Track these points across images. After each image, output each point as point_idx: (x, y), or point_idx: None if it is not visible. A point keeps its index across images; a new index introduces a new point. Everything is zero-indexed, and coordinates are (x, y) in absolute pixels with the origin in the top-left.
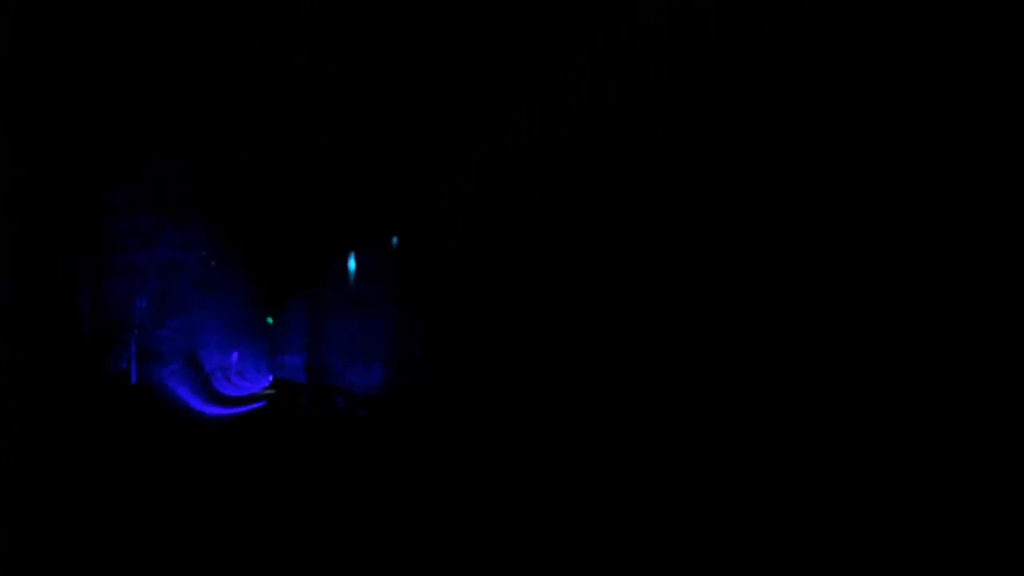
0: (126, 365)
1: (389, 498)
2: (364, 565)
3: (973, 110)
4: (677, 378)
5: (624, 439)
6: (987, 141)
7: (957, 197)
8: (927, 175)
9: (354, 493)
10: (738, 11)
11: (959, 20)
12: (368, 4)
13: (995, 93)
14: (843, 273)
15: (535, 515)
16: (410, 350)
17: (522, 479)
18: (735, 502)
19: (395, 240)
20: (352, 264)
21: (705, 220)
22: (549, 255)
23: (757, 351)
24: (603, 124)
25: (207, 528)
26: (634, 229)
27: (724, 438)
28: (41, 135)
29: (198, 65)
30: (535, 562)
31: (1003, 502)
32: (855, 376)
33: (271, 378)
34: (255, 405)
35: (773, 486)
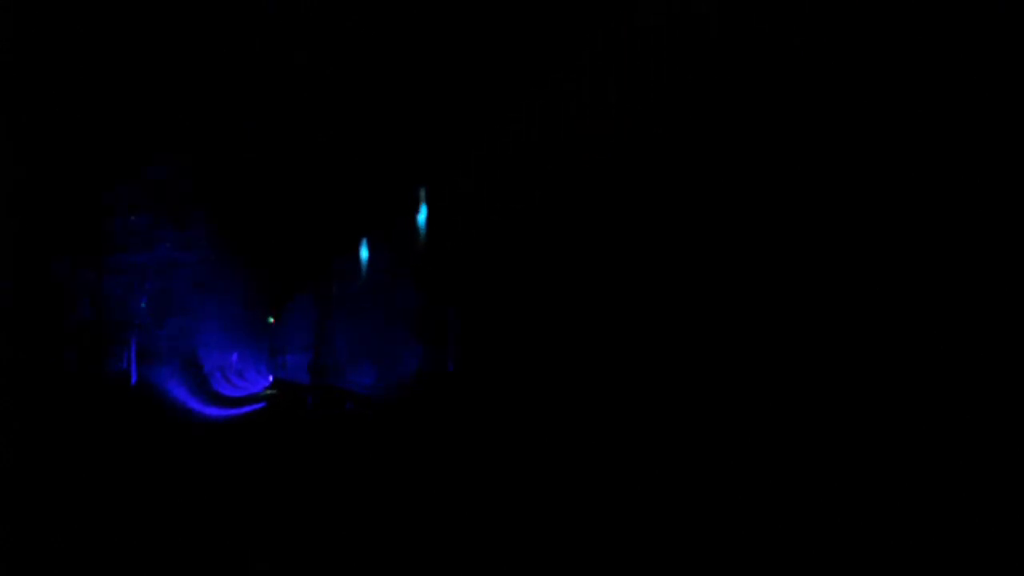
0: (126, 365)
1: (396, 503)
2: (367, 567)
3: (972, 111)
4: (676, 372)
5: (621, 433)
6: (985, 142)
7: (954, 197)
8: (925, 175)
9: (358, 496)
10: (738, 11)
11: (958, 21)
12: (368, 4)
13: (993, 94)
14: (841, 270)
15: (566, 533)
16: (425, 352)
17: (549, 488)
18: (743, 496)
19: (406, 240)
20: (359, 264)
21: (705, 219)
22: (549, 255)
23: (754, 345)
24: (603, 124)
25: (206, 529)
26: (635, 228)
27: (725, 427)
28: (41, 135)
29: (198, 65)
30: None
31: (1000, 501)
32: (850, 372)
33: (271, 378)
34: (256, 406)
35: (776, 480)
